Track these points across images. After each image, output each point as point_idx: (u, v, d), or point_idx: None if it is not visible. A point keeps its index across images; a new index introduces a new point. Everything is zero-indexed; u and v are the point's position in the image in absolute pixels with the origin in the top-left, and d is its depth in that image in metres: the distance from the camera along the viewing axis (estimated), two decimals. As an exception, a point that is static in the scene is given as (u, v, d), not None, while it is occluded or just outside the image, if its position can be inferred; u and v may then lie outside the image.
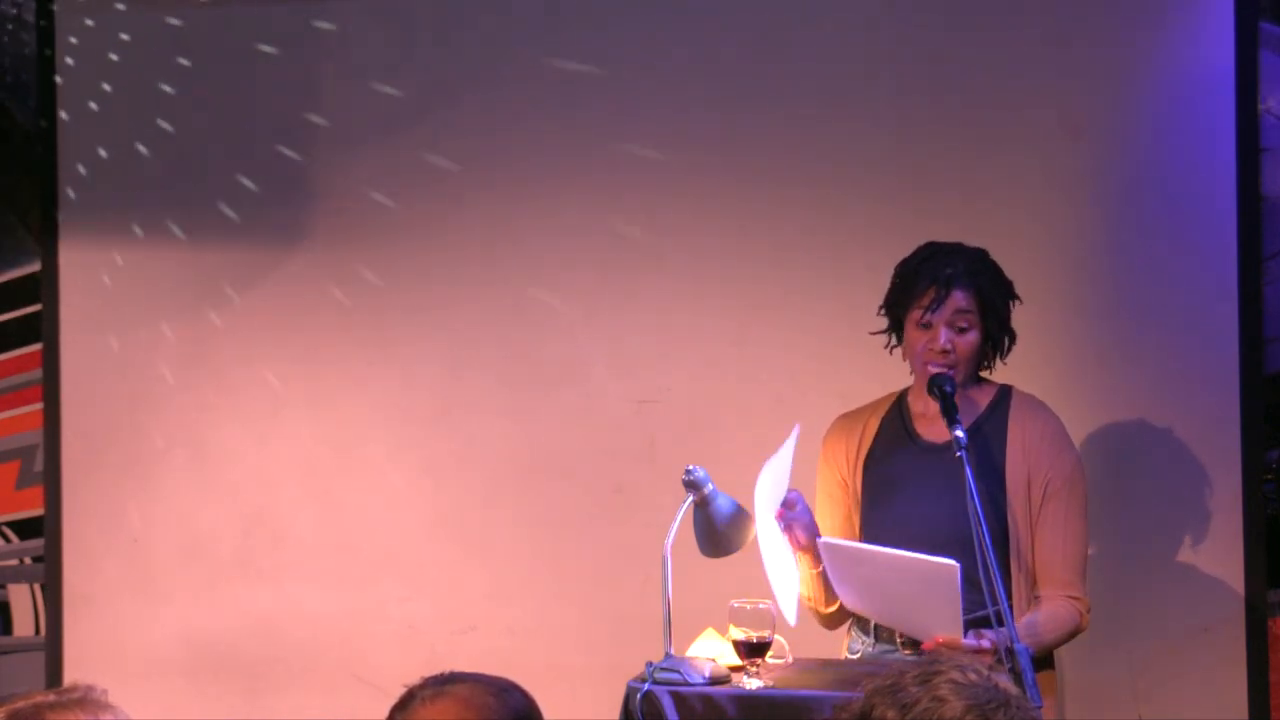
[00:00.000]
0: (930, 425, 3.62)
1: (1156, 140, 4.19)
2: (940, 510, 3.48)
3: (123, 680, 4.59)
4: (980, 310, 3.58)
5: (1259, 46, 4.14)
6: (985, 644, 3.30)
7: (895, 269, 3.68)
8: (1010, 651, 3.21)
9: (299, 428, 4.67)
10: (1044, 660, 3.55)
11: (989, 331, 3.61)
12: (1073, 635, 3.56)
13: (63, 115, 4.76)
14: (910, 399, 3.70)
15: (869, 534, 3.64)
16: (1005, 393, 3.67)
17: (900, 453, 3.65)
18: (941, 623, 3.32)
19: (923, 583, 3.35)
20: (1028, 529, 3.55)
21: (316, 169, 4.64)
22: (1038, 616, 3.48)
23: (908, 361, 3.67)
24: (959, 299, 3.55)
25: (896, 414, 3.70)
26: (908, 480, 3.61)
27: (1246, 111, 4.14)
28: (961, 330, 3.57)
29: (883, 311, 3.70)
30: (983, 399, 3.65)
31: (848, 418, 3.76)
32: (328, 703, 4.61)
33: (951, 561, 3.28)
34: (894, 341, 3.71)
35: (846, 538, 3.66)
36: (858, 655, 3.63)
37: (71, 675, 4.71)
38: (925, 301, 3.57)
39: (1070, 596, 3.52)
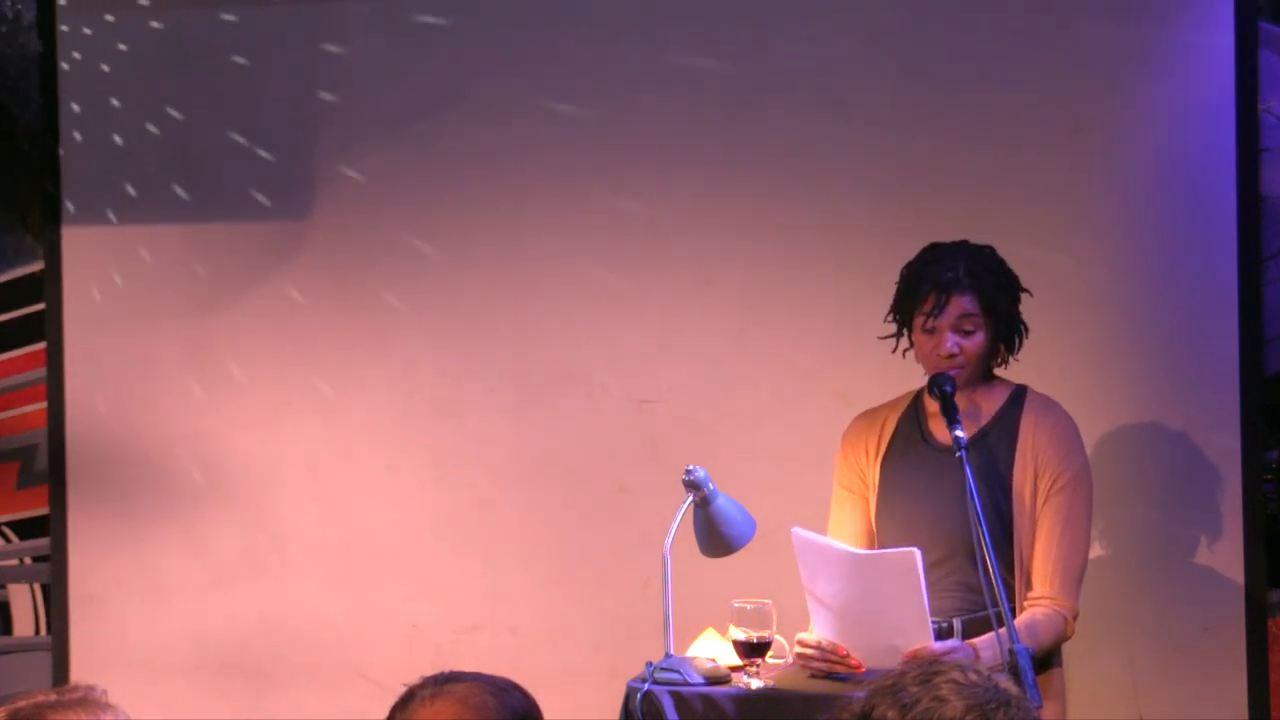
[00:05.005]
0: (943, 425, 3.59)
1: (1156, 140, 4.19)
2: (949, 511, 3.47)
3: (128, 679, 4.61)
4: (985, 311, 3.57)
5: (1259, 46, 4.14)
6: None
7: (900, 273, 3.68)
8: (1010, 651, 3.22)
9: (302, 427, 4.67)
10: (1050, 660, 3.54)
11: (997, 331, 3.61)
12: (1056, 644, 3.53)
13: (64, 114, 4.76)
14: (925, 399, 3.69)
15: (881, 531, 3.64)
16: (1020, 393, 3.66)
17: (915, 453, 3.65)
18: (907, 615, 3.30)
19: (885, 575, 3.34)
20: (1030, 531, 3.55)
21: (319, 170, 4.64)
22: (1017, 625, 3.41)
23: (920, 364, 3.67)
24: (962, 303, 3.55)
25: (913, 413, 3.70)
26: (920, 481, 3.60)
27: (1246, 111, 4.13)
28: (968, 333, 3.57)
29: (890, 315, 3.69)
30: (996, 399, 3.65)
31: (867, 415, 3.75)
32: (331, 701, 4.62)
33: (911, 549, 3.29)
34: (906, 345, 3.70)
35: (863, 532, 3.66)
36: None
37: (77, 674, 4.72)
38: (928, 307, 3.57)
39: (1056, 603, 3.49)
